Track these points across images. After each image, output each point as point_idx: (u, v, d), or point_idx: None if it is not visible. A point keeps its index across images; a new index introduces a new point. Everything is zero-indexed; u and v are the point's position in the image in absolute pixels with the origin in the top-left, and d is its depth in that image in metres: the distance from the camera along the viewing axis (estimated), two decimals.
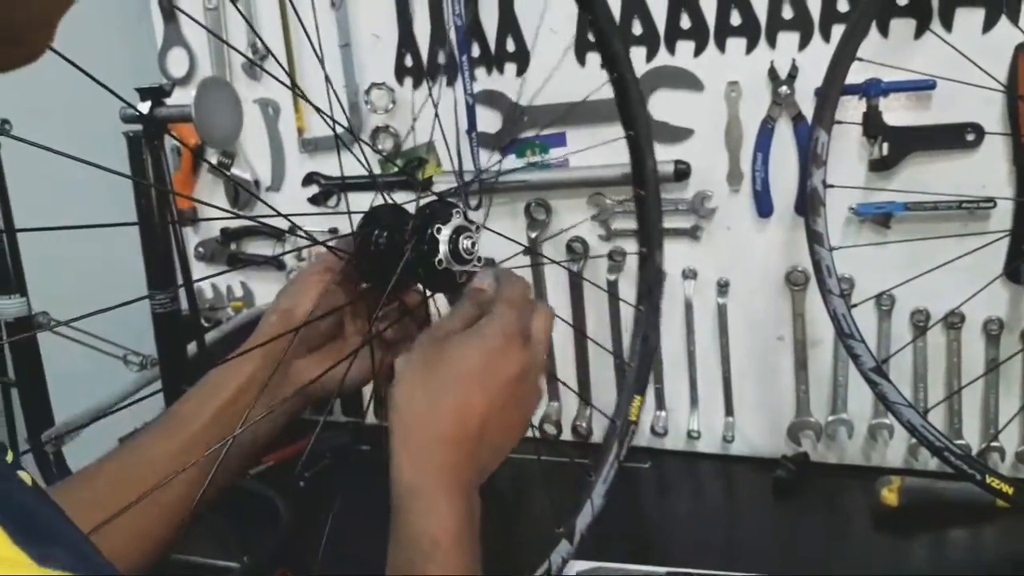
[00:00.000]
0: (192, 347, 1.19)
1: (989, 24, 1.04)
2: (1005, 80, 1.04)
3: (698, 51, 1.18)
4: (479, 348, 0.56)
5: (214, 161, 1.47)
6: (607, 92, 1.22)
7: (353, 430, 1.46)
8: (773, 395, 1.24)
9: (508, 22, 1.26)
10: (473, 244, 0.66)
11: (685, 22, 1.17)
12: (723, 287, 1.23)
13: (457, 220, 0.66)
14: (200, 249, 1.55)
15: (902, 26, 1.08)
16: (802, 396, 1.22)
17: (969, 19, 1.04)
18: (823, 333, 1.20)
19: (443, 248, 0.65)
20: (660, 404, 1.30)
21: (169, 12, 1.48)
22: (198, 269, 1.56)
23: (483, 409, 0.55)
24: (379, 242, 0.66)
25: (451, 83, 1.31)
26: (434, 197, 0.69)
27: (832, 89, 1.01)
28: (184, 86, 1.49)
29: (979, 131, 1.06)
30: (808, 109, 1.13)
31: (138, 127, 0.92)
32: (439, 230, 0.65)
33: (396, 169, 1.38)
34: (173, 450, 0.62)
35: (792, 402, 1.23)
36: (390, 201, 0.69)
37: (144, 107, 0.91)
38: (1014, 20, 1.02)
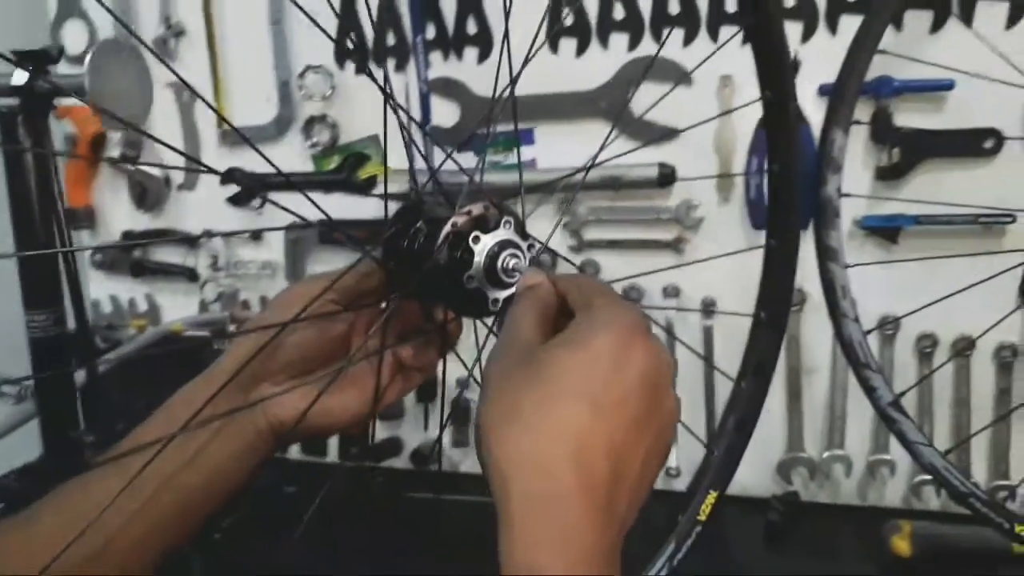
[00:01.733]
0: (81, 375, 0.98)
1: (1014, 19, 0.93)
2: None
3: (687, 40, 1.04)
4: (583, 361, 0.40)
5: (115, 154, 1.25)
6: (581, 83, 1.09)
7: (277, 468, 1.27)
8: (762, 428, 1.08)
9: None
10: (516, 265, 0.51)
11: (674, 7, 1.04)
12: (709, 307, 1.09)
13: (505, 232, 0.51)
14: (97, 256, 1.32)
15: (918, 19, 0.97)
16: (794, 430, 1.09)
17: (991, 13, 0.94)
18: (819, 360, 1.08)
19: (478, 261, 0.50)
20: None
21: None
22: (95, 280, 1.34)
23: (608, 441, 0.38)
24: (416, 237, 0.53)
25: (401, 68, 1.14)
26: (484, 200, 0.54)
27: (850, 84, 0.88)
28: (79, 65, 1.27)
29: (998, 137, 0.96)
30: (810, 107, 1.01)
31: (13, 101, 0.72)
32: (477, 239, 0.50)
33: (333, 166, 1.20)
34: (119, 490, 0.48)
35: (783, 436, 1.10)
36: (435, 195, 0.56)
37: (21, 76, 0.71)
38: None
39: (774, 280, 0.79)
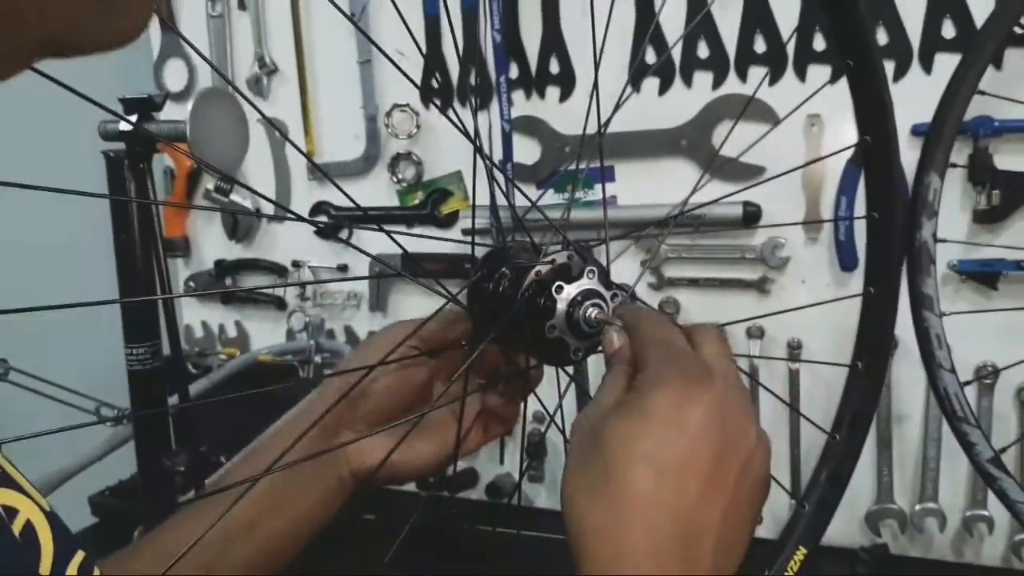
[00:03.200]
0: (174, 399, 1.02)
1: None
2: None
3: (774, 79, 1.02)
4: (638, 426, 0.40)
5: (210, 186, 1.30)
6: (663, 122, 1.08)
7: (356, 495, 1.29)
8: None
9: (552, 39, 1.11)
10: (597, 316, 0.51)
11: (760, 45, 1.02)
12: (795, 350, 1.06)
13: (588, 282, 0.52)
14: (191, 284, 1.38)
15: (1019, 57, 0.93)
16: (884, 480, 1.05)
17: None
18: (911, 408, 1.04)
19: (560, 310, 0.51)
20: None
21: (168, 20, 1.32)
22: (188, 305, 1.39)
23: (674, 503, 0.38)
24: (502, 284, 0.53)
25: (485, 107, 1.15)
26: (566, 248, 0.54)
27: (946, 126, 0.85)
28: (181, 101, 1.33)
29: None
30: (903, 149, 0.98)
31: (120, 145, 0.76)
32: (560, 288, 0.51)
33: (417, 202, 1.22)
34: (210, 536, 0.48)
35: (872, 486, 1.06)
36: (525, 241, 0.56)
37: (128, 122, 0.75)
38: None
39: (873, 329, 0.77)
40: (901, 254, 0.77)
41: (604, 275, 0.53)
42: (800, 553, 0.74)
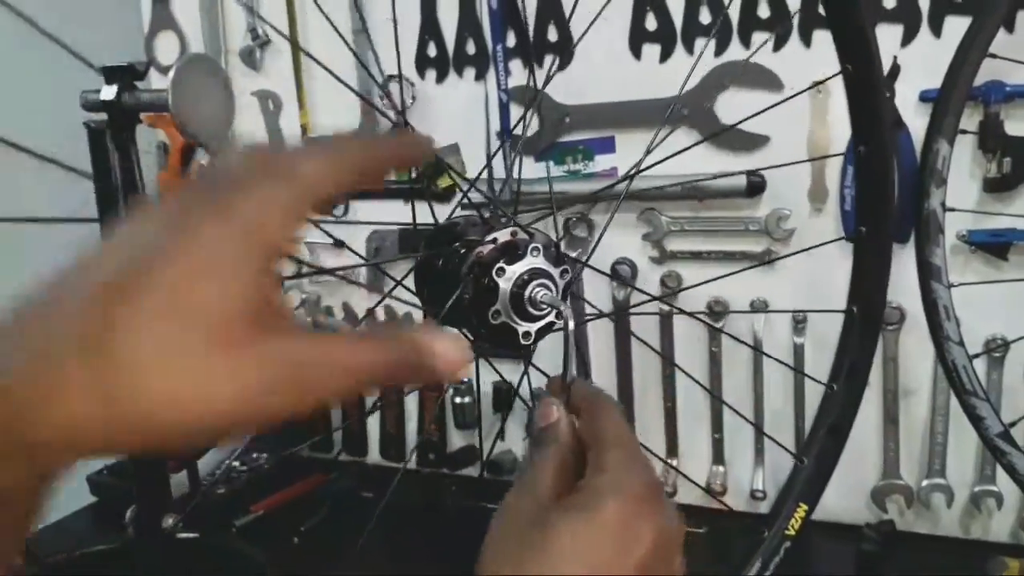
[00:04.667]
0: None
1: None
2: None
3: (778, 45, 0.99)
4: (591, 533, 0.37)
5: (205, 161, 1.28)
6: (664, 90, 1.05)
7: (356, 473, 1.28)
8: (855, 452, 1.03)
9: (550, 6, 1.08)
10: (544, 297, 0.48)
11: (763, 10, 0.99)
12: (800, 324, 1.04)
13: (533, 260, 0.48)
14: None
15: None
16: (890, 455, 1.03)
17: None
18: (918, 381, 1.01)
19: (503, 293, 0.47)
20: (719, 458, 1.11)
21: None
22: None
23: None
24: (451, 262, 0.51)
25: (481, 77, 1.13)
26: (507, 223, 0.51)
27: (957, 91, 0.83)
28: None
29: None
30: (910, 115, 0.95)
31: (102, 116, 0.73)
32: (502, 270, 0.47)
33: (413, 175, 1.20)
34: None
35: (878, 461, 1.04)
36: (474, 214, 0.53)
37: (109, 91, 0.72)
38: None
39: (866, 271, 0.75)
40: (890, 191, 0.73)
41: (553, 251, 0.50)
42: (800, 510, 0.73)
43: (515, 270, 0.48)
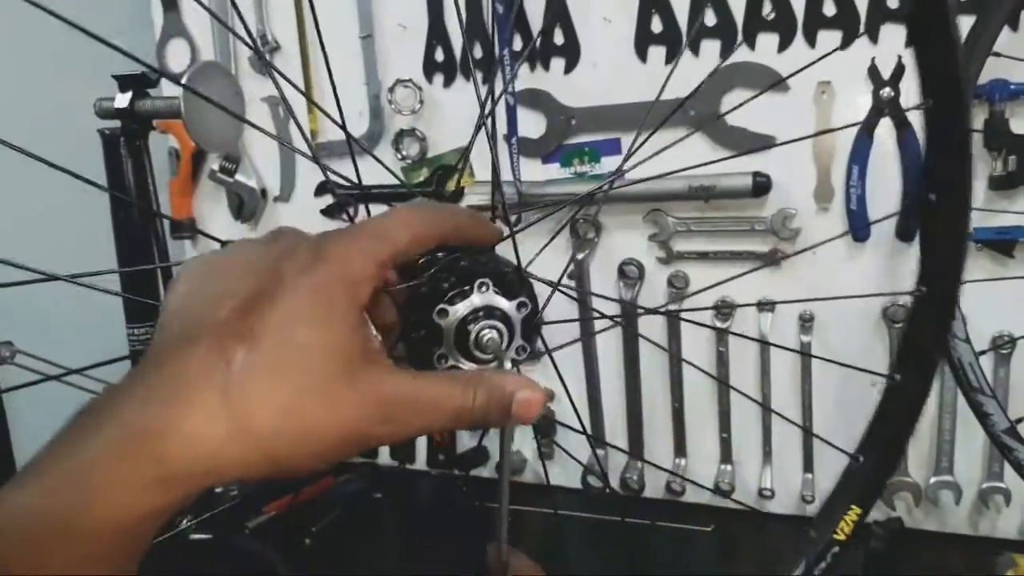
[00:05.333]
0: None
1: None
2: None
3: (783, 45, 1.00)
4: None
5: (215, 166, 1.30)
6: (670, 91, 1.05)
7: (368, 475, 1.29)
8: None
9: (557, 10, 1.09)
10: (491, 340, 0.43)
11: (768, 11, 1.00)
12: (807, 323, 1.05)
13: (480, 298, 0.44)
14: None
15: None
16: None
17: None
18: None
19: (447, 333, 0.43)
20: (726, 457, 1.12)
21: (169, 0, 1.31)
22: None
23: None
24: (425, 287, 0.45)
25: (488, 81, 1.14)
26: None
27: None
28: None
29: None
30: (915, 114, 0.95)
31: (116, 123, 0.75)
32: (443, 312, 0.43)
33: (422, 178, 1.21)
34: None
35: None
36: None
37: (123, 99, 0.74)
38: None
39: (937, 244, 0.66)
40: (969, 153, 0.64)
41: (505, 282, 0.44)
42: (853, 513, 0.69)
43: (457, 311, 0.43)
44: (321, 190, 1.27)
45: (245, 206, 1.31)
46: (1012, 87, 0.91)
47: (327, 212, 1.27)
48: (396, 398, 0.36)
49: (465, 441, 1.28)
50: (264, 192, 1.32)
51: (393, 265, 0.40)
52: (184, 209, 1.36)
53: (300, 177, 1.29)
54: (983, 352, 0.85)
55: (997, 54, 0.81)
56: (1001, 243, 0.94)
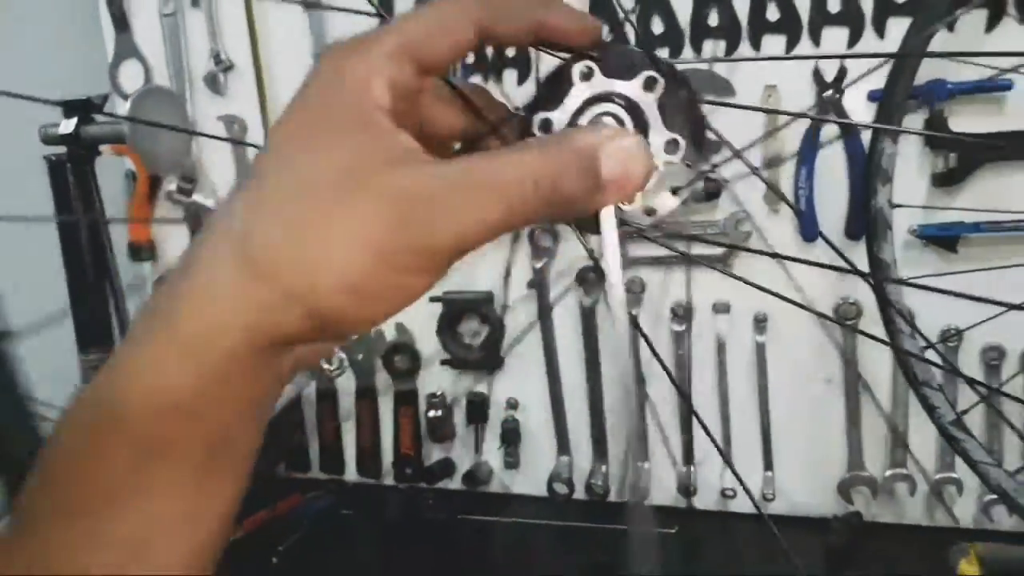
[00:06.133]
0: None
1: None
2: None
3: (729, 51, 1.02)
4: None
5: (172, 187, 1.29)
6: None
7: (335, 491, 1.29)
8: (820, 446, 1.08)
9: None
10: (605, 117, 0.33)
11: (713, 18, 1.02)
12: (761, 323, 1.06)
13: (587, 87, 0.33)
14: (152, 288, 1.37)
15: (971, 18, 0.92)
16: (854, 448, 1.05)
17: None
18: (879, 374, 1.04)
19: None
20: (688, 458, 1.13)
21: (121, 20, 1.30)
22: None
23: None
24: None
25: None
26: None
27: (898, 90, 0.85)
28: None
29: None
30: (859, 116, 0.98)
31: (62, 149, 0.75)
32: (547, 123, 0.34)
33: None
34: None
35: (843, 455, 1.06)
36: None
37: (68, 125, 0.74)
38: None
39: None
40: None
41: (616, 60, 0.34)
42: None
43: (561, 117, 0.34)
44: None
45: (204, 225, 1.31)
46: (949, 87, 0.93)
47: None
48: (417, 191, 0.28)
49: (432, 454, 1.29)
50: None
51: (411, 57, 0.31)
52: (143, 231, 1.35)
53: None
54: (928, 346, 0.87)
55: (933, 55, 0.84)
56: (944, 239, 0.97)
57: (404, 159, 0.29)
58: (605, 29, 0.34)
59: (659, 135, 0.34)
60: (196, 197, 1.30)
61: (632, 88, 0.33)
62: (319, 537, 1.18)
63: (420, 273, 0.29)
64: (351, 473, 1.32)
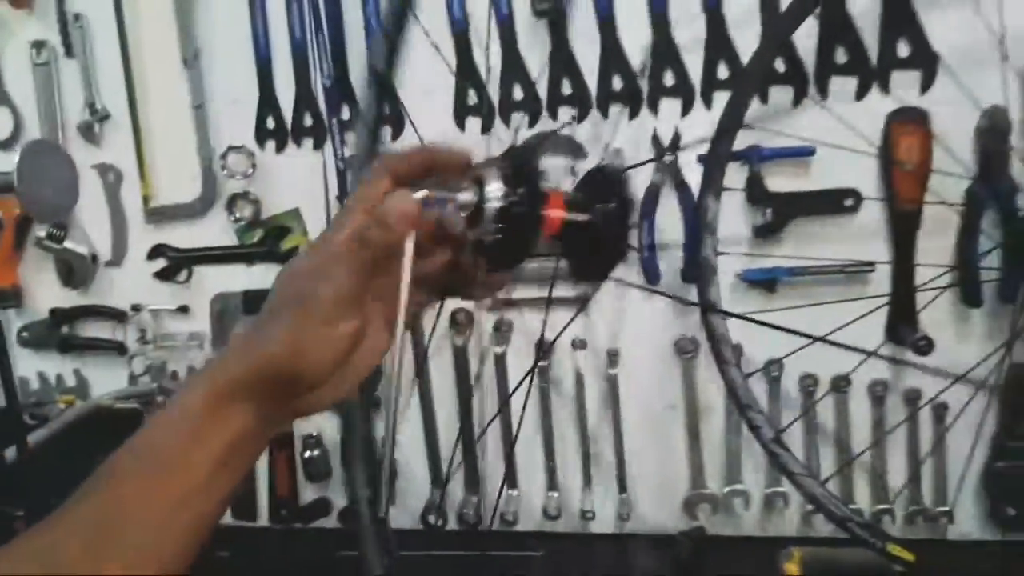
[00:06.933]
0: (12, 451, 1.01)
1: (862, 92, 1.06)
2: (879, 146, 1.06)
3: (581, 117, 1.15)
4: None
5: (41, 233, 1.29)
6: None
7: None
8: (667, 468, 1.19)
9: (382, 83, 1.18)
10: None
11: (567, 88, 1.14)
12: (613, 357, 1.18)
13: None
14: (24, 334, 1.35)
15: (781, 94, 1.09)
16: (696, 467, 1.18)
17: (843, 87, 1.07)
18: (714, 401, 1.17)
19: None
20: (552, 485, 1.22)
21: None
22: (22, 358, 1.36)
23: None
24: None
25: (319, 147, 1.22)
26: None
27: (718, 155, 1.00)
28: (7, 150, 1.32)
29: (857, 197, 1.08)
30: (691, 175, 1.12)
31: None
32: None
33: (256, 239, 1.26)
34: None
35: (686, 474, 1.18)
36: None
37: None
38: (885, 89, 1.05)
39: None
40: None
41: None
42: None
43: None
44: (155, 253, 1.29)
45: (75, 272, 1.31)
46: (764, 152, 1.08)
47: (161, 275, 1.29)
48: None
49: (306, 494, 1.32)
50: (95, 257, 1.32)
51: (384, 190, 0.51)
52: (8, 276, 1.34)
53: (133, 241, 1.31)
54: (750, 374, 1.01)
55: (748, 126, 0.98)
56: (765, 282, 1.11)
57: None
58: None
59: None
60: (68, 244, 1.30)
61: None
62: None
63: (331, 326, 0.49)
64: (226, 517, 1.33)
